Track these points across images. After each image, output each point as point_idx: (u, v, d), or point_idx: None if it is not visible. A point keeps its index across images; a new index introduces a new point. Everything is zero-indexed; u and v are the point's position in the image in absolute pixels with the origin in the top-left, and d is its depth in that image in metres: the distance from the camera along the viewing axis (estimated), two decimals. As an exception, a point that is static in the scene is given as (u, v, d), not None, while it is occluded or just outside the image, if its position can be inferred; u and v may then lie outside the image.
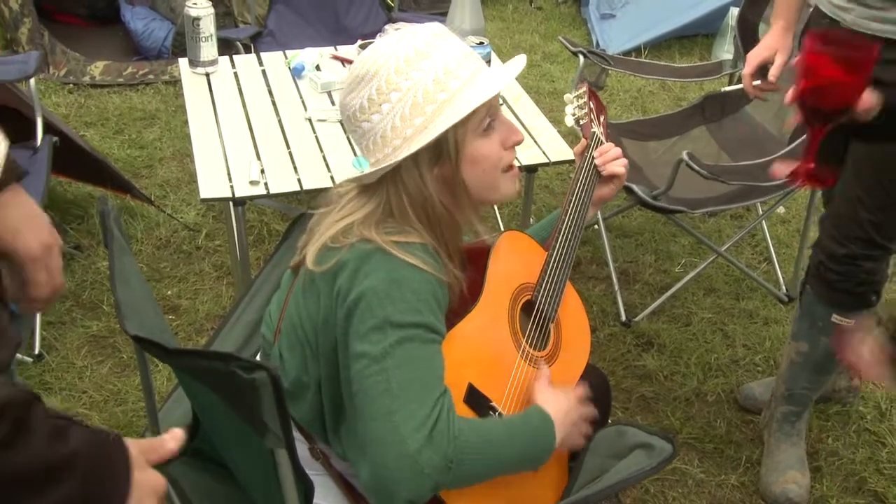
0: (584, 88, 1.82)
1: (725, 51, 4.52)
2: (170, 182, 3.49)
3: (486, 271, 1.46)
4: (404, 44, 1.31)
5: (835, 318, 2.06)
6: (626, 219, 3.37)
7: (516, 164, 1.45)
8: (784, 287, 3.00)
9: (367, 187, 1.37)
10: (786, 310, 2.93)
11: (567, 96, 1.83)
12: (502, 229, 1.61)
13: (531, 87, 4.31)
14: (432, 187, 1.34)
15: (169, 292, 2.91)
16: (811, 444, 2.40)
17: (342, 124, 2.47)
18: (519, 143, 1.42)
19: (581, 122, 1.78)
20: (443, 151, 1.33)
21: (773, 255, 3.09)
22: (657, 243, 3.25)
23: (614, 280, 2.92)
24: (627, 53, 4.59)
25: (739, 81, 3.18)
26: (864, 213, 1.93)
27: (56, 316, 2.78)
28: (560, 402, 1.43)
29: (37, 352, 2.61)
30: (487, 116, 1.35)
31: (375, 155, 1.35)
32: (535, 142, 2.43)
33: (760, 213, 3.10)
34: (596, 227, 3.08)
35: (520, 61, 1.41)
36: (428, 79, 1.30)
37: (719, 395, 2.59)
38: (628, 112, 4.18)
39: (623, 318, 2.84)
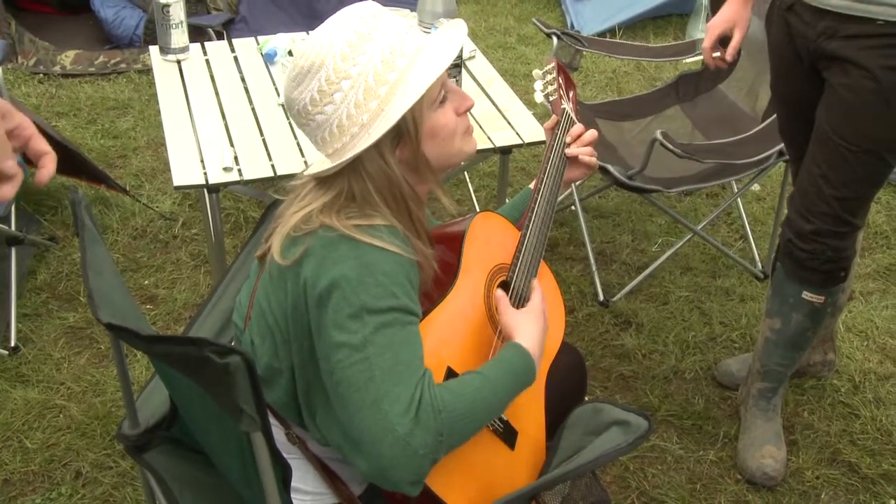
0: (553, 64, 1.83)
1: (699, 30, 4.53)
2: (145, 171, 3.46)
3: (460, 254, 1.47)
4: (343, 29, 1.29)
5: (805, 295, 2.08)
6: (602, 199, 3.38)
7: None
8: (759, 264, 3.03)
9: (325, 177, 1.35)
10: (762, 286, 2.96)
11: (536, 72, 1.83)
12: (478, 211, 1.62)
13: (506, 70, 4.31)
14: (397, 169, 1.33)
15: (146, 282, 2.90)
16: (787, 419, 2.43)
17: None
18: (471, 108, 1.42)
19: (551, 99, 1.78)
20: (403, 132, 1.32)
21: (749, 233, 3.12)
22: (634, 223, 3.27)
23: (592, 260, 2.93)
24: (602, 34, 4.59)
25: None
26: (828, 189, 1.95)
27: (32, 308, 2.76)
28: (531, 327, 1.42)
29: (13, 344, 2.59)
30: (442, 89, 1.35)
31: (333, 146, 1.33)
32: (509, 123, 2.43)
33: (735, 190, 3.12)
34: (573, 208, 3.10)
35: (458, 26, 1.40)
36: (376, 60, 1.29)
37: (697, 373, 2.61)
38: (603, 93, 4.19)
39: (601, 298, 2.86)
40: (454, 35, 1.38)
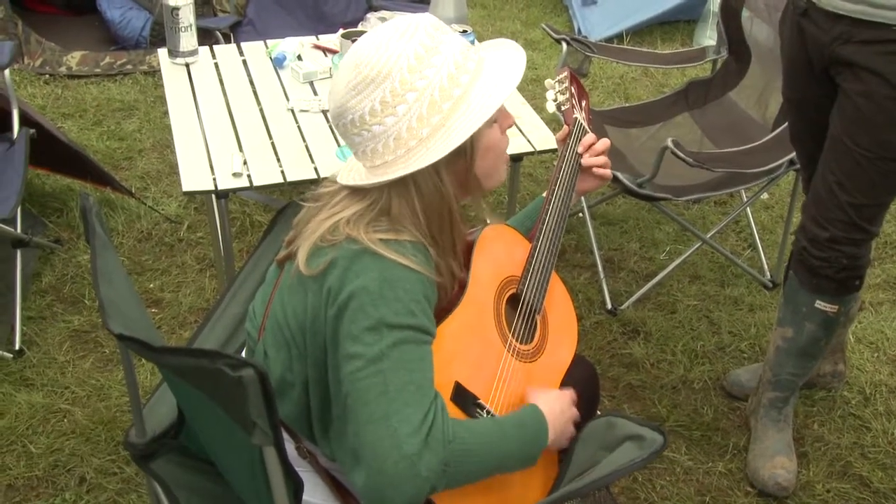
0: (566, 73, 1.80)
1: (707, 37, 4.51)
2: (150, 174, 3.45)
3: (469, 267, 1.45)
4: (410, 40, 1.27)
5: (818, 304, 2.07)
6: (610, 206, 3.37)
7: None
8: (768, 273, 3.01)
9: (360, 187, 1.33)
10: (770, 296, 2.94)
11: (548, 81, 1.81)
12: (487, 219, 1.60)
13: (514, 75, 4.29)
14: (450, 187, 1.32)
15: (151, 285, 2.88)
16: (797, 430, 2.41)
17: (326, 115, 2.44)
18: (511, 125, 1.42)
19: (563, 108, 1.75)
20: (460, 150, 1.30)
21: (758, 242, 3.10)
22: (642, 231, 3.25)
23: (599, 268, 2.91)
24: (609, 40, 4.57)
25: (723, 68, 3.18)
26: (844, 196, 1.94)
27: (36, 311, 2.74)
28: (555, 402, 1.43)
29: (17, 347, 2.57)
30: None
31: (384, 157, 1.30)
32: (521, 130, 2.42)
33: (744, 199, 3.10)
34: (580, 215, 3.08)
35: (513, 45, 1.39)
36: (442, 75, 1.27)
37: (706, 383, 2.59)
38: (611, 99, 4.17)
39: (609, 306, 2.84)
40: (513, 55, 1.37)
